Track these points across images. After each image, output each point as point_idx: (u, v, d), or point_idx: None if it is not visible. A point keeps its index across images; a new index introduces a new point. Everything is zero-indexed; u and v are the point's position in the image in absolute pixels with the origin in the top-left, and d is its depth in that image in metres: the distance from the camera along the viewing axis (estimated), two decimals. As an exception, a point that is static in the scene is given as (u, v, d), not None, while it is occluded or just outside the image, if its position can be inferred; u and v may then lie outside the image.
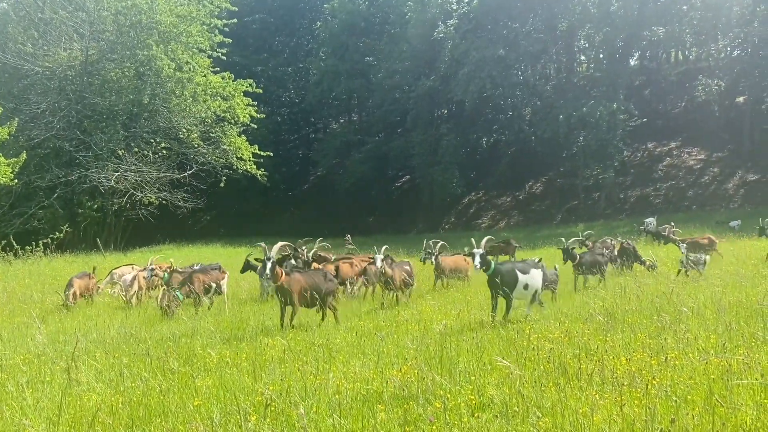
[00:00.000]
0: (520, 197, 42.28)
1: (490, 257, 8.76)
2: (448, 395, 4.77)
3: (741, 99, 39.20)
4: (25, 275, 18.12)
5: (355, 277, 12.91)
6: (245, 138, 35.54)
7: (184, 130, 33.05)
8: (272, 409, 4.64)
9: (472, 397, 4.72)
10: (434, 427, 4.23)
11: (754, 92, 36.89)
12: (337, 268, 11.87)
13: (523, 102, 42.37)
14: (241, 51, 44.19)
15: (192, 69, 32.26)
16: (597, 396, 4.48)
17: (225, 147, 34.32)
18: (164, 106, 32.52)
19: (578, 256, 12.07)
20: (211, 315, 10.85)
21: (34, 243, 22.08)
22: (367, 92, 47.84)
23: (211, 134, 34.30)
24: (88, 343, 8.37)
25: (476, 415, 4.37)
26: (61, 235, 23.82)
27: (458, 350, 6.32)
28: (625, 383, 4.71)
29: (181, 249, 29.17)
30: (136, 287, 13.28)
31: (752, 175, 35.33)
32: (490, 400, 4.69)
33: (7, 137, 24.11)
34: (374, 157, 45.60)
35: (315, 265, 12.45)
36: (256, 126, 36.17)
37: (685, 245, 13.10)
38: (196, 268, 13.63)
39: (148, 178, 30.77)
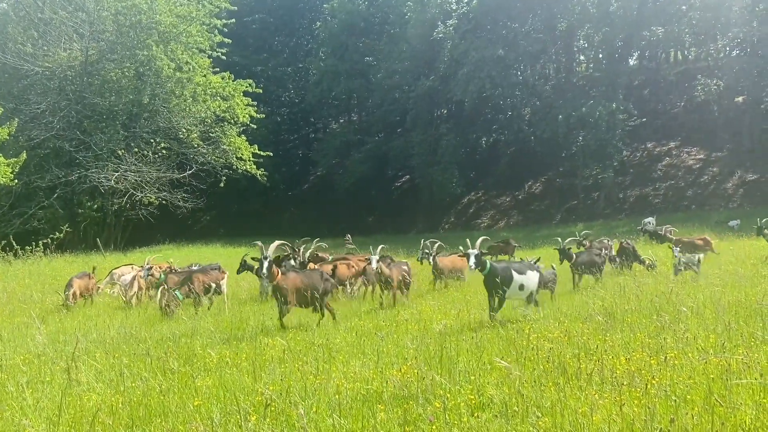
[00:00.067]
0: (520, 197, 42.29)
1: (489, 257, 8.79)
2: (448, 395, 4.77)
3: (740, 99, 39.19)
4: (25, 275, 18.12)
5: (354, 278, 12.91)
6: (245, 138, 35.53)
7: (184, 130, 33.04)
8: (272, 409, 4.65)
9: (472, 397, 4.73)
10: (434, 427, 4.24)
11: (754, 92, 36.87)
12: (334, 269, 11.87)
13: (522, 102, 42.37)
14: (241, 51, 44.18)
15: (192, 69, 32.25)
16: (596, 396, 4.49)
17: (225, 147, 34.32)
18: (164, 106, 32.52)
19: (574, 256, 12.08)
20: (211, 315, 10.85)
21: (34, 243, 22.07)
22: (367, 92, 47.84)
23: (210, 134, 34.29)
24: (88, 343, 8.37)
25: (476, 414, 4.38)
26: (61, 235, 23.81)
27: (458, 350, 6.32)
28: (625, 383, 4.72)
29: (181, 249, 29.19)
30: (135, 287, 13.29)
31: (751, 174, 35.33)
32: (490, 399, 4.70)
33: (7, 137, 24.10)
34: (374, 157, 45.61)
35: (311, 265, 12.46)
36: (255, 126, 36.16)
37: (678, 249, 13.11)
38: (195, 268, 13.64)
39: (148, 178, 30.77)
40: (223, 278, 12.27)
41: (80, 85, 31.33)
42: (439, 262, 13.22)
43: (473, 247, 8.47)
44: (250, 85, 35.26)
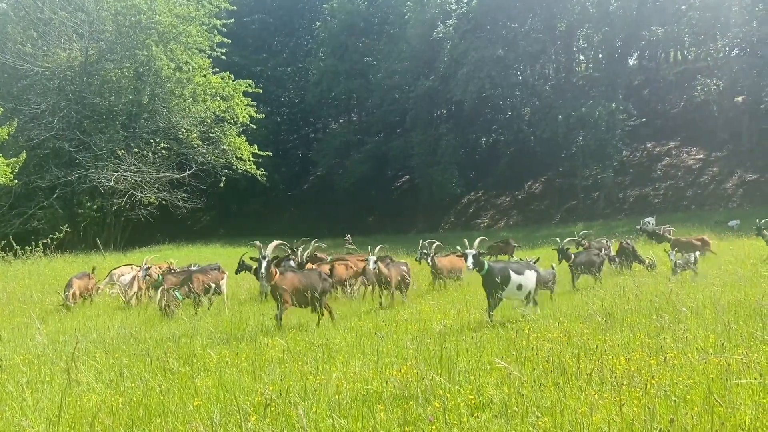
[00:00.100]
0: (519, 197, 42.30)
1: (489, 257, 8.79)
2: (448, 395, 4.78)
3: (740, 99, 39.21)
4: (25, 275, 18.11)
5: (353, 278, 12.90)
6: (245, 138, 35.54)
7: (184, 130, 33.04)
8: (272, 409, 4.65)
9: (472, 397, 4.73)
10: (434, 427, 4.24)
11: (753, 92, 36.90)
12: (331, 268, 11.86)
13: (522, 102, 42.39)
14: (241, 51, 44.19)
15: (191, 69, 32.26)
16: (596, 396, 4.49)
17: (224, 147, 34.32)
18: (164, 107, 32.51)
19: (572, 256, 12.07)
20: (211, 315, 10.85)
21: (33, 243, 22.07)
22: (367, 92, 47.86)
23: (210, 134, 34.29)
24: (87, 344, 8.37)
25: (475, 414, 4.38)
26: (61, 235, 23.80)
27: (458, 350, 6.32)
28: (624, 383, 4.72)
29: (181, 249, 29.19)
30: (135, 287, 13.29)
31: (751, 174, 35.33)
32: (490, 399, 4.70)
33: (7, 137, 24.10)
34: (374, 157, 45.62)
35: (309, 265, 12.47)
36: (255, 126, 36.18)
37: (673, 252, 13.13)
38: (193, 268, 13.64)
39: (147, 179, 30.77)
40: (222, 278, 12.27)
41: (80, 85, 31.33)
42: (437, 262, 13.21)
43: (471, 247, 8.48)
44: (249, 85, 35.26)
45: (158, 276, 12.59)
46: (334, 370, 5.90)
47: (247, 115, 34.78)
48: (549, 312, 8.75)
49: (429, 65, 43.16)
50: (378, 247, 11.48)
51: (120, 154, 29.97)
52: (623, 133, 36.30)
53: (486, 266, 8.24)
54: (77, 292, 12.98)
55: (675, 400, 4.34)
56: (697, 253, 13.46)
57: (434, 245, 13.81)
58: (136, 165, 30.21)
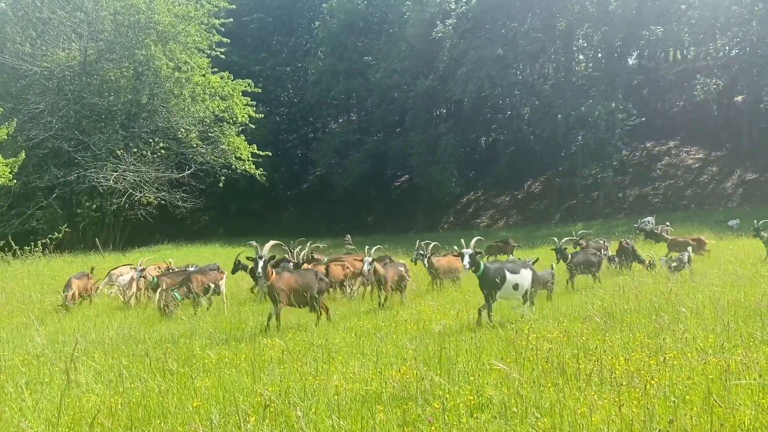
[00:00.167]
0: (519, 196, 42.31)
1: (487, 257, 8.78)
2: (447, 396, 4.77)
3: (739, 98, 39.24)
4: (24, 275, 18.10)
5: (351, 278, 12.88)
6: (244, 138, 35.51)
7: (183, 130, 33.00)
8: (271, 410, 4.64)
9: (471, 398, 4.73)
10: (433, 428, 4.24)
11: (753, 91, 36.92)
12: (327, 268, 11.86)
13: (521, 101, 42.40)
14: (240, 51, 44.18)
15: (190, 69, 32.23)
16: (595, 396, 4.49)
17: (224, 147, 34.29)
18: (163, 106, 32.49)
19: (570, 256, 12.06)
20: (210, 315, 10.85)
21: (32, 243, 22.06)
22: (366, 92, 47.86)
23: (209, 134, 34.26)
24: (87, 344, 8.37)
25: (475, 415, 4.38)
26: (60, 235, 23.79)
27: (457, 350, 6.32)
28: (624, 383, 4.72)
29: (180, 249, 29.17)
30: (134, 288, 13.28)
31: (750, 174, 35.36)
32: (489, 400, 4.69)
33: (6, 137, 24.07)
34: (373, 156, 45.62)
35: (306, 265, 12.47)
36: (254, 126, 36.14)
37: (664, 259, 13.18)
38: (191, 269, 13.63)
39: (146, 178, 30.75)
40: (221, 278, 12.26)
41: (79, 85, 31.31)
42: (435, 262, 13.20)
43: (468, 247, 8.48)
44: (248, 84, 35.23)
45: (153, 277, 12.59)
46: (333, 370, 5.89)
47: (246, 115, 34.75)
48: (548, 312, 8.75)
49: (428, 65, 43.15)
50: (374, 248, 11.46)
51: (119, 153, 29.95)
52: (623, 133, 36.32)
53: (482, 267, 8.24)
54: (77, 293, 12.97)
55: (674, 401, 4.34)
56: (690, 249, 13.50)
57: (431, 246, 13.80)
58: (135, 165, 30.19)
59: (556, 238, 13.28)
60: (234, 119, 34.60)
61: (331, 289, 12.24)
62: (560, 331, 6.84)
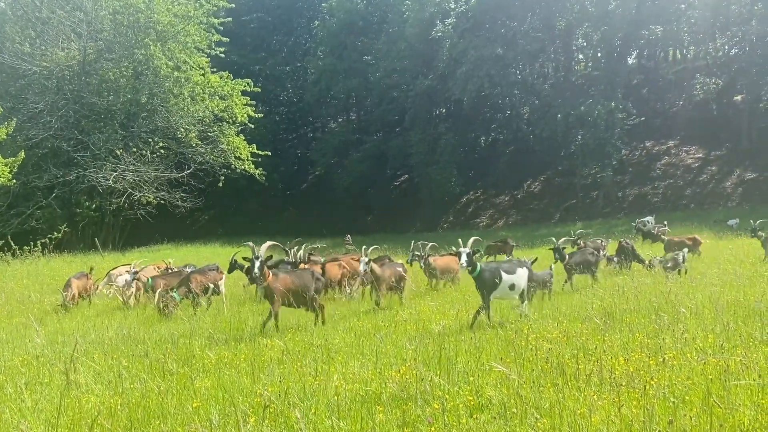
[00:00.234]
0: (519, 196, 42.32)
1: (486, 257, 8.77)
2: (447, 396, 4.77)
3: (739, 97, 39.24)
4: (24, 275, 18.10)
5: (350, 278, 12.87)
6: (243, 137, 35.51)
7: (182, 130, 33.00)
8: (271, 410, 4.64)
9: (471, 398, 4.73)
10: (433, 429, 4.24)
11: (752, 91, 36.93)
12: (323, 269, 11.84)
13: (521, 101, 42.41)
14: (239, 50, 44.16)
15: (190, 68, 32.23)
16: (595, 396, 4.49)
17: (223, 146, 34.28)
18: (162, 106, 32.48)
19: (567, 256, 12.06)
20: (210, 316, 10.84)
21: (32, 243, 22.07)
22: (366, 91, 47.84)
23: (209, 134, 34.25)
24: (86, 345, 8.36)
25: (474, 416, 4.38)
26: (59, 235, 23.80)
27: (457, 351, 6.32)
28: (623, 384, 4.72)
29: (180, 249, 29.16)
30: (134, 288, 13.27)
31: (750, 173, 35.37)
32: (489, 401, 4.69)
33: (5, 137, 24.08)
34: (372, 156, 45.62)
35: (302, 265, 12.47)
36: (254, 125, 36.14)
37: (659, 259, 13.22)
38: (189, 269, 13.61)
39: (146, 178, 30.74)
40: (221, 279, 12.25)
41: (78, 85, 31.30)
42: (432, 263, 13.17)
43: (465, 246, 8.48)
44: (248, 84, 35.22)
45: (148, 279, 12.59)
46: (333, 371, 5.89)
47: (245, 115, 34.74)
48: (548, 312, 8.75)
49: (428, 64, 43.15)
50: (371, 248, 11.44)
51: (118, 153, 29.94)
52: (622, 132, 36.33)
53: (478, 268, 8.24)
54: (76, 293, 12.97)
55: (674, 401, 4.34)
56: (686, 250, 13.55)
57: (428, 246, 13.78)
58: (134, 164, 30.19)
59: (554, 238, 13.27)
60: (233, 119, 34.59)
61: (329, 289, 12.25)
62: (560, 332, 6.84)
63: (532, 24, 41.55)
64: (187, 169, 33.17)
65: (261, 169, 35.89)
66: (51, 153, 30.95)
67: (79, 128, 30.95)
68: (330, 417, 4.56)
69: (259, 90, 36.25)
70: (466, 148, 44.87)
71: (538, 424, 4.17)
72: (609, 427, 4.04)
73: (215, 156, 34.14)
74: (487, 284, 8.21)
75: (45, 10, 31.26)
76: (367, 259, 10.56)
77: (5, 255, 20.87)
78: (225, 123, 34.62)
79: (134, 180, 30.26)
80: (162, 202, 32.17)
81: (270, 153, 37.30)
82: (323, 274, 10.95)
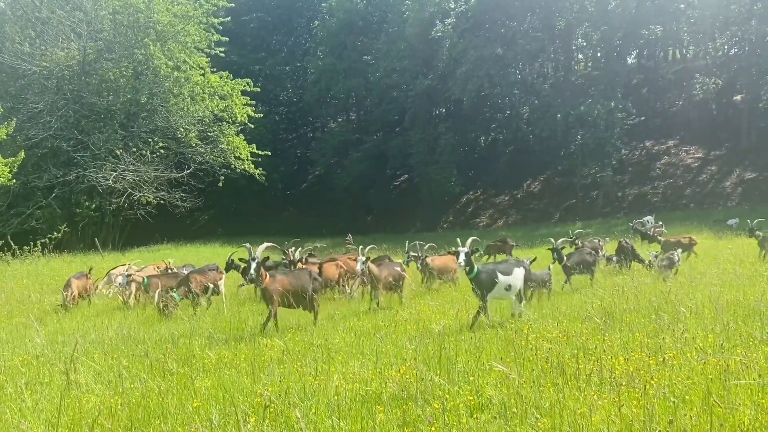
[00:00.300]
0: (518, 196, 42.32)
1: (487, 257, 8.76)
2: (447, 396, 4.77)
3: (738, 97, 39.25)
4: (23, 275, 18.09)
5: (347, 278, 12.87)
6: (243, 137, 35.49)
7: (182, 130, 32.97)
8: (271, 410, 4.64)
9: (471, 398, 4.73)
10: (433, 428, 4.24)
11: (752, 90, 36.94)
12: (320, 268, 11.84)
13: (520, 101, 42.40)
14: (239, 50, 44.15)
15: (189, 68, 32.22)
16: (595, 396, 4.49)
17: (223, 146, 34.26)
18: (162, 106, 32.46)
19: (564, 257, 12.06)
20: (210, 316, 10.84)
21: (32, 243, 22.06)
22: (365, 91, 47.83)
23: (209, 133, 34.23)
24: (86, 344, 8.36)
25: (475, 416, 4.38)
26: (59, 234, 23.78)
27: (457, 350, 6.32)
28: (624, 383, 4.72)
29: (180, 248, 29.15)
30: (133, 288, 13.26)
31: (750, 173, 35.38)
32: (489, 400, 4.69)
33: (5, 137, 24.07)
34: (372, 156, 45.62)
35: (300, 265, 12.47)
36: (253, 125, 36.12)
37: (654, 254, 13.25)
38: (185, 270, 13.60)
39: (146, 178, 30.72)
40: (221, 279, 12.25)
41: (78, 85, 31.28)
42: (430, 263, 13.16)
43: (463, 246, 8.48)
44: (248, 84, 35.20)
45: (143, 279, 12.57)
46: (333, 371, 5.89)
47: (245, 114, 34.72)
48: (548, 312, 8.75)
49: (428, 64, 43.15)
50: (368, 248, 11.43)
51: (118, 153, 29.92)
52: (622, 132, 36.33)
53: (475, 269, 8.24)
54: (76, 293, 12.97)
55: (674, 401, 4.34)
56: (680, 250, 13.60)
57: (425, 246, 13.75)
58: (134, 164, 30.17)
59: (552, 239, 13.27)
60: (233, 119, 34.57)
61: (327, 288, 12.25)
62: (560, 331, 6.84)
63: (531, 24, 41.55)
64: (187, 169, 33.15)
65: (261, 169, 35.88)
66: (51, 153, 30.92)
67: (78, 128, 30.93)
68: (330, 417, 4.56)
69: (259, 90, 36.23)
70: (466, 147, 44.87)
71: (539, 423, 4.17)
72: (609, 426, 4.04)
73: (215, 156, 34.13)
74: (483, 285, 8.21)
75: (45, 10, 31.24)
76: (364, 258, 10.55)
77: (5, 255, 20.86)
78: (225, 123, 34.61)
79: (134, 180, 30.25)
80: (162, 202, 32.16)
81: (270, 153, 37.28)
82: (320, 273, 10.95)
